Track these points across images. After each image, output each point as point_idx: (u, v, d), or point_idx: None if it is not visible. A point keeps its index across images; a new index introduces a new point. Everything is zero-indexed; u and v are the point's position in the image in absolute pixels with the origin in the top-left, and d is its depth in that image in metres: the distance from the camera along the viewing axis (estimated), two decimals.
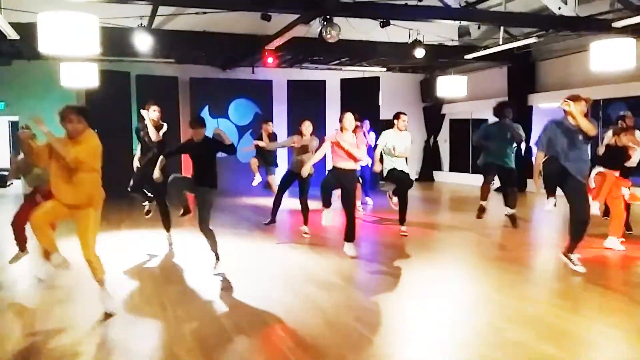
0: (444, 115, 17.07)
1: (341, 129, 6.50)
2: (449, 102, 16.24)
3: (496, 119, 8.23)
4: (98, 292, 4.69)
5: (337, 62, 15.02)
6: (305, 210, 7.80)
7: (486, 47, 12.38)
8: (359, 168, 7.49)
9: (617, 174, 7.00)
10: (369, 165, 8.78)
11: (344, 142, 6.41)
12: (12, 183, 14.56)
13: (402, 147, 7.59)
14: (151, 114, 6.96)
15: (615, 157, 7.03)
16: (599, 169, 7.00)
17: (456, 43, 13.54)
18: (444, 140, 17.44)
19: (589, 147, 5.74)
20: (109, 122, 12.62)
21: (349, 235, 6.61)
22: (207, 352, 3.85)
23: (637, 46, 8.39)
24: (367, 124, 10.40)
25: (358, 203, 8.52)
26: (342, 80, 15.08)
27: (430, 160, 17.36)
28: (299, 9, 8.86)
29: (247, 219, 9.65)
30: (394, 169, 7.62)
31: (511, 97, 13.89)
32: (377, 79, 15.15)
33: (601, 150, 7.19)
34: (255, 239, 7.88)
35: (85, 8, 7.26)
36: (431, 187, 15.64)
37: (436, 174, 17.35)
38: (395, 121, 7.75)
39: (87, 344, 4.02)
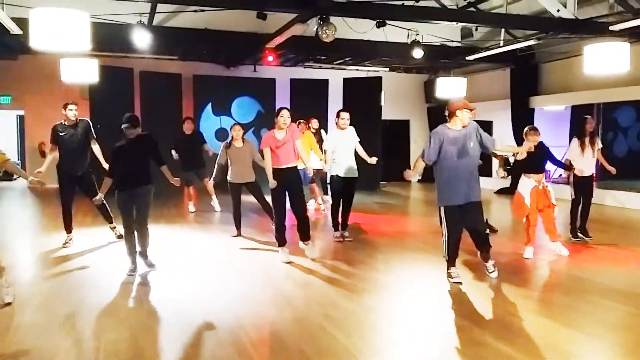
0: None
1: (276, 126, 6.38)
2: None
3: None
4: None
5: (341, 61, 15.04)
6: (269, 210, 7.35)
7: (487, 49, 12.33)
8: (302, 166, 7.23)
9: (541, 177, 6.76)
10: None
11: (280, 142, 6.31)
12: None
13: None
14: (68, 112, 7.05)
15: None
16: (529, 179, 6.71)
17: (458, 44, 13.50)
18: None
19: None
20: (112, 118, 12.78)
21: (304, 235, 6.55)
22: (171, 344, 3.94)
23: (632, 50, 8.34)
24: (315, 122, 10.21)
25: (327, 197, 8.39)
26: (344, 79, 15.10)
27: None
28: (292, 8, 8.91)
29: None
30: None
31: (514, 99, 13.90)
32: (379, 78, 15.14)
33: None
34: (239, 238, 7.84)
35: (84, 4, 7.37)
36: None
37: None
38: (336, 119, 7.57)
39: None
